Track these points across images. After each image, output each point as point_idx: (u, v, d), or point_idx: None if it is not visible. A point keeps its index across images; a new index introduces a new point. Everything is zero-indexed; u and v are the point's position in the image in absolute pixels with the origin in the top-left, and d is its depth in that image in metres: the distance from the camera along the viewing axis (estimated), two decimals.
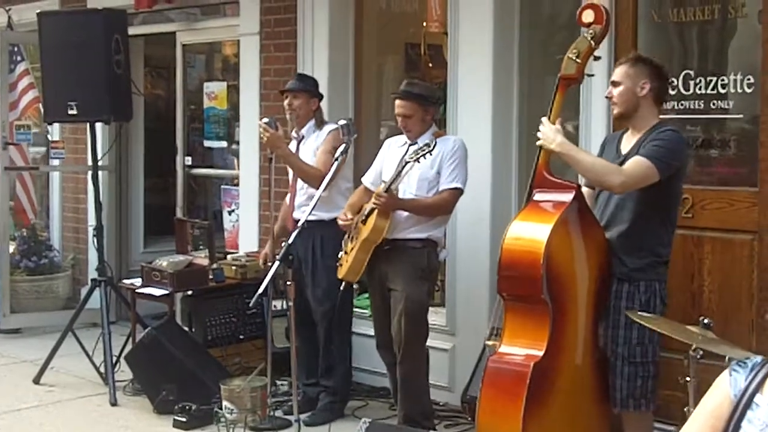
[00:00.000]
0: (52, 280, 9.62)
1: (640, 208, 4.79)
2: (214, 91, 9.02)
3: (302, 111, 6.66)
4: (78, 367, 7.57)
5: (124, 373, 7.15)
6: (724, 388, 2.41)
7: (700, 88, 5.72)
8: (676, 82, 5.74)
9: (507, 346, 4.79)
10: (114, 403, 6.91)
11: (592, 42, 4.86)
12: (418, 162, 5.59)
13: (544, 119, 4.89)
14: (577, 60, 4.85)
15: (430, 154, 5.57)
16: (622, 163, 4.78)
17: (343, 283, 6.09)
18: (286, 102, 6.71)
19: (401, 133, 6.11)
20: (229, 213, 8.76)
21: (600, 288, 4.85)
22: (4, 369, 7.99)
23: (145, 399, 6.83)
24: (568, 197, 4.80)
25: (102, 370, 7.24)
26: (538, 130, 4.90)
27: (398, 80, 6.33)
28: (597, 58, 4.98)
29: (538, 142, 4.89)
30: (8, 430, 6.49)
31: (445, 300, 6.90)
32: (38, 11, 8.02)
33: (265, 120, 6.55)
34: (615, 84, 4.89)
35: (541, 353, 4.64)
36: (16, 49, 9.48)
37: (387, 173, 6.00)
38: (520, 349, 4.73)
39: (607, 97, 4.98)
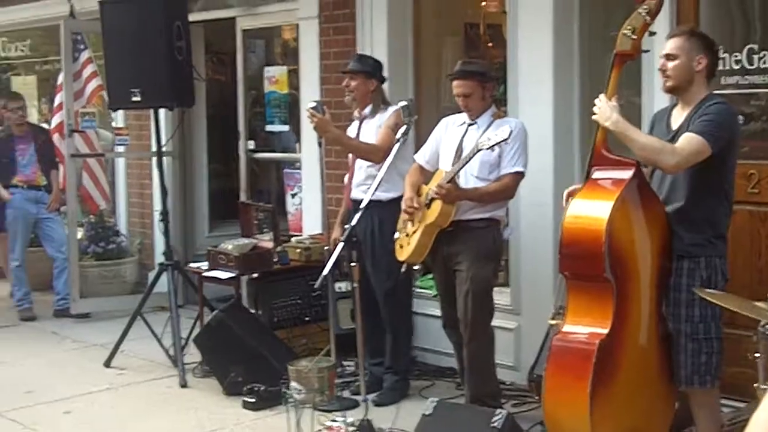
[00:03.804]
0: (120, 265, 9.76)
1: (695, 183, 4.75)
2: (275, 75, 9.08)
3: (359, 92, 6.69)
4: (147, 350, 7.68)
5: (192, 355, 7.26)
6: None
7: (764, 62, 5.65)
8: (739, 57, 5.67)
9: (571, 325, 4.79)
10: (184, 385, 7.03)
11: (647, 17, 4.81)
12: (492, 150, 5.60)
13: (601, 95, 4.87)
14: (633, 36, 4.80)
15: (506, 142, 5.57)
16: (673, 139, 4.73)
17: (405, 265, 6.12)
18: (343, 83, 6.75)
19: (457, 111, 6.12)
20: (292, 196, 8.83)
21: (662, 265, 4.82)
22: (75, 353, 8.14)
23: (214, 381, 6.93)
24: (627, 174, 4.77)
25: (171, 352, 7.36)
26: (594, 106, 4.88)
27: (458, 61, 6.33)
28: (652, 34, 4.93)
29: (594, 117, 4.87)
30: (81, 412, 6.63)
31: (509, 280, 6.90)
32: (100, 0, 8.12)
33: (312, 105, 6.58)
34: (670, 57, 4.82)
35: (605, 331, 4.63)
36: (79, 37, 9.60)
37: (445, 154, 6.02)
38: (584, 328, 4.72)
39: (660, 70, 4.92)
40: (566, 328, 4.80)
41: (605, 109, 4.80)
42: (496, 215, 5.95)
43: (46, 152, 9.47)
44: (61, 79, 9.61)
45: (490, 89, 6.04)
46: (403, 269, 6.17)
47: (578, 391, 4.59)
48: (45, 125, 10.42)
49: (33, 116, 11.15)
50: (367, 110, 6.72)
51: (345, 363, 6.94)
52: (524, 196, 6.44)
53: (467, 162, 5.72)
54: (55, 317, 9.25)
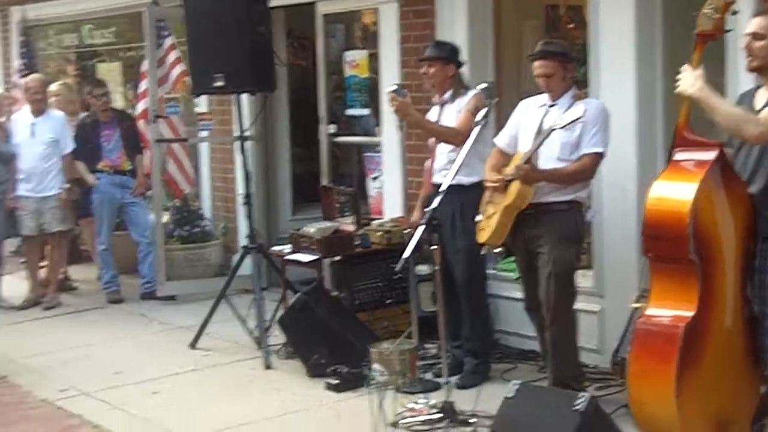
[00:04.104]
0: (205, 249, 9.88)
1: None
2: (355, 59, 9.10)
3: (438, 78, 6.70)
4: (232, 332, 7.78)
5: (276, 337, 7.34)
6: None
7: None
8: None
9: (655, 308, 4.75)
10: (268, 367, 7.11)
11: None
12: (567, 129, 5.57)
13: (686, 65, 4.79)
14: (715, 15, 4.72)
15: (583, 121, 5.54)
16: None
17: (485, 247, 6.13)
18: (422, 70, 6.75)
19: (536, 93, 6.09)
20: (373, 180, 8.86)
21: (747, 247, 4.77)
22: (161, 335, 8.29)
23: (298, 362, 7.01)
24: (711, 155, 4.72)
25: (255, 334, 7.45)
26: (677, 79, 4.81)
27: (538, 42, 6.29)
28: (735, 13, 4.83)
29: (677, 90, 4.80)
30: (167, 393, 6.76)
31: (592, 262, 6.86)
32: None
33: (392, 88, 6.60)
34: (756, 36, 4.74)
35: (691, 314, 4.59)
36: (162, 24, 9.70)
37: (524, 136, 6.00)
38: (669, 311, 4.69)
39: (745, 49, 4.83)
40: (650, 311, 4.77)
41: (689, 77, 4.72)
42: (578, 197, 5.92)
43: (131, 137, 9.61)
44: (145, 65, 9.74)
45: (570, 70, 6.00)
46: (483, 252, 6.18)
47: (664, 375, 4.56)
48: (130, 111, 10.58)
49: (118, 102, 11.31)
50: (447, 95, 6.72)
51: (427, 345, 6.97)
52: (606, 178, 6.39)
53: (543, 142, 5.70)
54: (142, 300, 9.40)
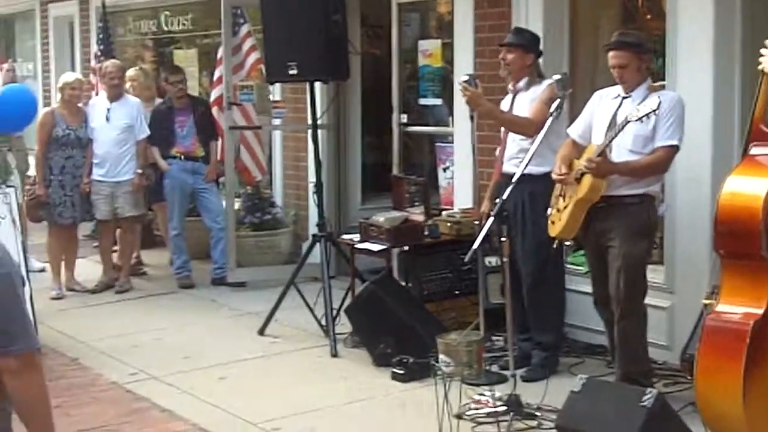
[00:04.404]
0: (275, 236, 9.94)
1: None
2: (429, 48, 9.08)
3: (516, 66, 6.64)
4: (300, 319, 7.82)
5: (344, 326, 7.35)
6: None
7: None
8: None
9: (725, 305, 4.69)
10: (334, 355, 7.13)
11: None
12: (641, 122, 5.49)
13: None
14: None
15: (656, 114, 5.47)
16: None
17: (556, 241, 6.08)
18: (500, 56, 6.70)
19: (611, 85, 6.02)
20: (444, 170, 8.84)
21: None
22: (231, 321, 8.36)
23: (364, 351, 7.02)
24: None
25: (323, 322, 7.47)
26: (761, 55, 4.70)
27: (614, 33, 6.21)
28: None
29: (760, 66, 4.69)
30: (235, 378, 6.81)
31: (663, 257, 6.76)
32: None
33: (464, 78, 6.57)
34: None
35: (760, 311, 4.53)
36: (238, 12, 9.77)
37: (598, 128, 5.93)
38: (738, 308, 4.63)
39: None
40: (720, 307, 4.71)
41: None
42: (650, 191, 5.84)
43: (205, 124, 9.68)
44: (221, 52, 9.81)
45: (646, 61, 5.93)
46: (554, 245, 6.13)
47: (731, 372, 4.50)
48: (205, 98, 10.66)
49: (194, 89, 11.41)
50: (522, 83, 6.67)
51: (494, 337, 6.94)
52: (681, 172, 6.30)
53: (616, 135, 5.63)
54: (212, 285, 9.48)
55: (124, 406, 6.38)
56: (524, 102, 6.60)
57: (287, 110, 10.04)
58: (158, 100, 10.33)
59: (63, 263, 9.45)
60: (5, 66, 12.90)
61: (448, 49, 8.70)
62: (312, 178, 8.41)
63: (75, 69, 13.51)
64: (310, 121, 8.09)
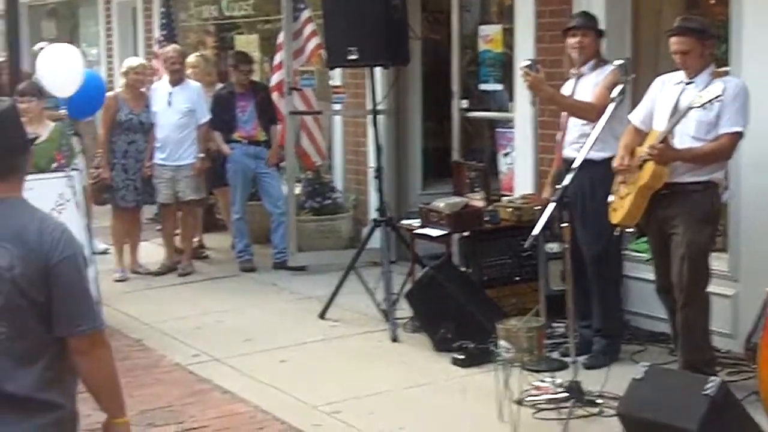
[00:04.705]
0: (335, 221, 9.98)
1: None
2: (490, 34, 9.04)
3: (590, 49, 6.61)
4: (360, 304, 7.85)
5: (403, 310, 7.37)
6: None
7: None
8: None
9: None
10: (394, 339, 7.16)
11: None
12: (705, 108, 5.44)
13: None
14: None
15: (720, 100, 5.41)
16: None
17: (618, 228, 6.04)
18: (574, 40, 6.62)
19: (674, 70, 5.95)
20: (504, 155, 8.81)
21: None
22: (291, 305, 8.41)
23: (424, 336, 7.03)
24: None
25: (383, 307, 7.49)
26: None
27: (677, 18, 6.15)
28: None
29: None
30: (296, 362, 6.86)
31: (727, 245, 6.69)
32: None
33: (525, 63, 6.54)
34: None
35: None
36: None
37: (660, 114, 5.88)
38: None
39: None
40: None
41: None
42: (714, 178, 5.78)
43: (266, 108, 9.72)
44: (281, 38, 9.84)
45: (709, 47, 5.85)
46: (616, 232, 6.09)
47: None
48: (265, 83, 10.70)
49: (255, 74, 11.44)
50: (586, 67, 6.62)
51: (555, 324, 6.91)
52: (745, 158, 6.23)
53: (679, 121, 5.57)
54: (273, 269, 9.55)
55: (186, 388, 6.46)
56: (588, 86, 6.56)
57: (347, 95, 10.06)
58: (218, 85, 10.39)
59: (127, 246, 9.56)
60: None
61: (508, 34, 8.66)
62: (372, 163, 8.43)
63: (138, 54, 13.63)
64: (369, 106, 8.10)
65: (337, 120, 10.51)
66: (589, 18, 6.72)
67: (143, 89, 9.58)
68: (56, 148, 7.74)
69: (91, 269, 6.00)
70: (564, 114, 6.74)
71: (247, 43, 12.55)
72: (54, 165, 7.57)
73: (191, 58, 10.40)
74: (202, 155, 9.41)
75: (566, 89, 6.74)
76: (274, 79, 10.13)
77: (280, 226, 9.57)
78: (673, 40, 5.81)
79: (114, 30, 14.83)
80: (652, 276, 6.21)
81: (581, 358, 6.19)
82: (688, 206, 5.71)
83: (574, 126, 6.59)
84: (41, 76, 7.76)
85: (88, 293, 3.15)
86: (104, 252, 9.88)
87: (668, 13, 7.64)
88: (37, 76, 7.91)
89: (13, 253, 3.02)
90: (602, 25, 6.87)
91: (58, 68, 7.69)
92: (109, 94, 9.63)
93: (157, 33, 12.65)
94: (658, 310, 6.40)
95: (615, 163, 5.99)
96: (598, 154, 6.23)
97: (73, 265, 3.08)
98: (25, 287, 3.02)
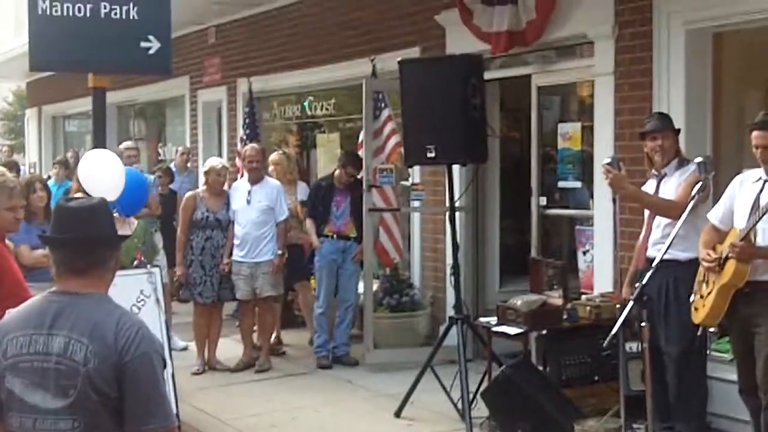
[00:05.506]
0: (413, 318, 9.93)
1: None
2: (569, 131, 9.04)
3: (670, 150, 6.58)
4: (436, 402, 7.76)
5: (480, 410, 7.27)
6: None
7: None
8: None
9: None
10: None
11: None
12: None
13: None
14: None
15: None
16: None
17: (700, 328, 5.93)
18: (655, 143, 6.59)
19: (753, 167, 5.88)
20: (584, 253, 8.74)
21: None
22: (368, 402, 8.35)
23: None
24: None
25: (459, 406, 7.40)
26: None
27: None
28: None
29: None
30: None
31: None
32: (399, 59, 8.39)
33: (607, 160, 6.52)
34: None
35: None
36: (380, 96, 9.93)
37: (739, 213, 5.80)
38: None
39: None
40: None
41: None
42: None
43: (360, 205, 9.74)
44: (362, 136, 9.95)
45: None
46: (698, 332, 5.98)
47: None
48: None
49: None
50: (669, 167, 6.58)
51: (634, 425, 6.73)
52: None
53: (761, 218, 5.48)
54: (341, 364, 9.53)
55: None
56: (671, 186, 6.51)
57: (426, 192, 10.10)
58: (300, 183, 10.51)
59: (208, 341, 9.62)
60: (180, 149, 13.49)
61: (587, 131, 8.65)
62: (449, 260, 8.41)
63: (222, 152, 13.90)
64: (448, 203, 8.12)
65: (416, 217, 10.54)
66: (665, 119, 6.69)
67: (224, 187, 9.72)
68: (138, 246, 7.84)
69: (168, 367, 6.01)
70: (648, 213, 6.68)
71: (328, 141, 12.73)
72: (135, 262, 7.65)
73: (274, 156, 10.55)
74: (280, 252, 9.48)
75: (648, 188, 6.68)
76: None
77: (343, 321, 9.59)
78: (754, 134, 5.76)
79: (199, 128, 15.14)
80: (734, 376, 6.06)
81: None
82: None
83: (658, 227, 6.52)
84: (85, 184, 7.63)
85: (162, 391, 3.15)
86: (184, 349, 9.94)
87: (750, 111, 7.59)
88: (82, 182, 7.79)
89: (88, 349, 3.05)
90: (682, 124, 6.83)
91: (101, 173, 7.57)
92: (189, 194, 9.80)
93: (240, 132, 12.90)
94: (741, 411, 6.23)
95: (702, 259, 5.89)
96: (682, 254, 6.17)
97: (147, 364, 3.10)
98: (98, 383, 3.04)
